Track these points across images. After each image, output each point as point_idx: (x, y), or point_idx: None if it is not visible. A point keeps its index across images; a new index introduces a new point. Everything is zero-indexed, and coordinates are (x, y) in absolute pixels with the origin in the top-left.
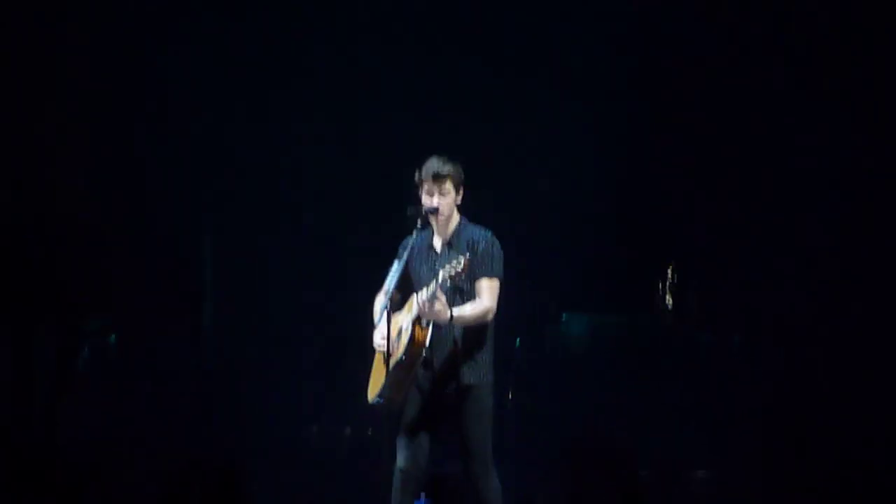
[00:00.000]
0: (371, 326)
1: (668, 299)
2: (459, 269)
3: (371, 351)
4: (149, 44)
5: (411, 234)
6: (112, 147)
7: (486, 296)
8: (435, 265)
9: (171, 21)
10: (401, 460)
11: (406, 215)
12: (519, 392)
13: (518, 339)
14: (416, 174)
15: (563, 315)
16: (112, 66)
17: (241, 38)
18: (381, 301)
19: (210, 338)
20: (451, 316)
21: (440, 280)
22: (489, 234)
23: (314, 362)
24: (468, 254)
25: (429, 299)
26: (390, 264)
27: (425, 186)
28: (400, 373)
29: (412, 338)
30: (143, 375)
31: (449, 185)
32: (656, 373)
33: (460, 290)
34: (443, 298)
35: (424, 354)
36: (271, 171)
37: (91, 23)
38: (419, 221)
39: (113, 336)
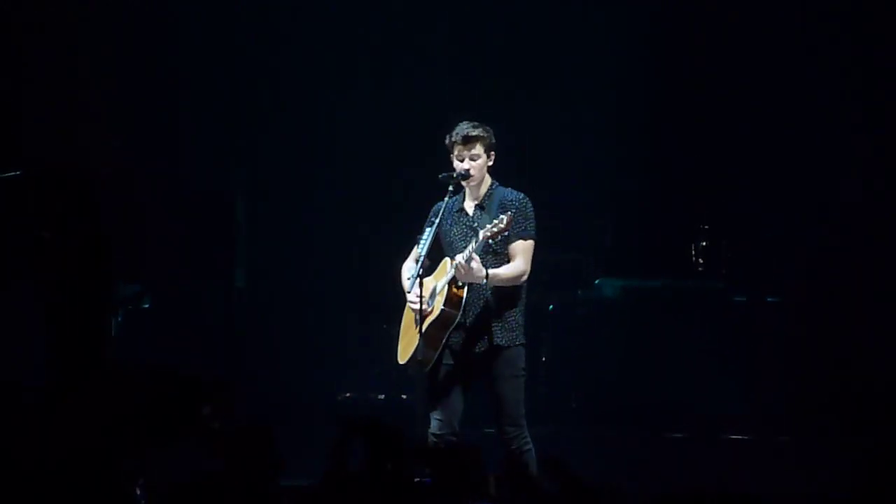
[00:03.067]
0: (400, 292)
1: (701, 262)
2: (502, 226)
3: (401, 315)
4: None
5: (442, 199)
6: (146, 110)
7: (521, 258)
8: (466, 226)
9: None
10: (434, 424)
11: (438, 181)
12: (552, 355)
13: (551, 305)
14: (447, 139)
15: (597, 280)
16: (147, 26)
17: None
18: (410, 267)
19: (243, 302)
20: (487, 275)
21: (480, 239)
22: (522, 195)
23: (345, 327)
24: (509, 212)
25: (466, 259)
26: (421, 230)
27: (456, 150)
28: (434, 333)
29: (448, 298)
30: (177, 339)
31: (479, 149)
32: (690, 335)
33: (494, 252)
34: (478, 260)
35: (459, 316)
36: (305, 136)
37: None
38: (451, 186)
39: (147, 301)
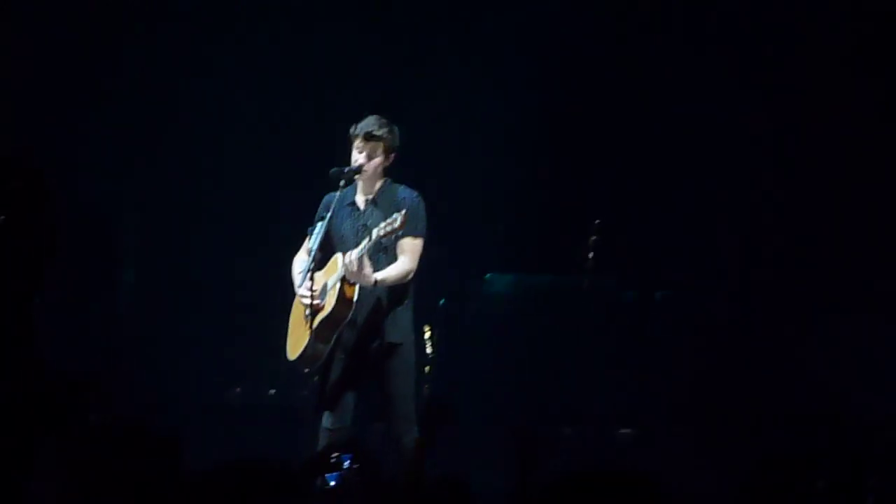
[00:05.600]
0: (290, 286)
1: (591, 257)
2: (396, 226)
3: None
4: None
5: (334, 192)
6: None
7: (409, 256)
8: (358, 222)
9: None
10: (326, 420)
11: (329, 175)
12: (441, 351)
13: (442, 300)
14: (351, 128)
15: (487, 275)
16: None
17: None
18: (301, 260)
19: (132, 300)
20: (376, 281)
21: (373, 238)
22: (416, 194)
23: (235, 323)
24: (404, 210)
25: (357, 259)
26: (312, 223)
27: (356, 143)
28: (325, 330)
29: (340, 295)
30: (64, 340)
31: (379, 148)
32: (580, 331)
33: (384, 249)
34: (367, 262)
35: (351, 313)
36: (193, 128)
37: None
38: (342, 182)
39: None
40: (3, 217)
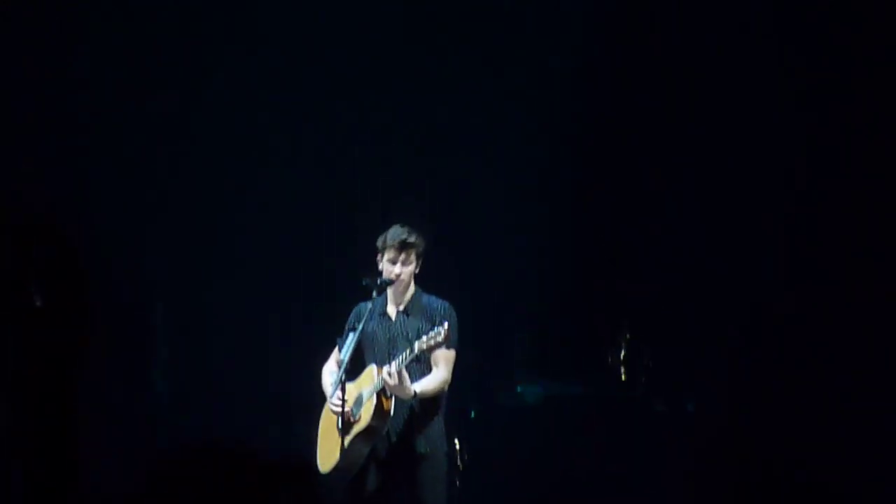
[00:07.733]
0: (319, 395)
1: (622, 369)
2: (440, 340)
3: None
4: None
5: (365, 301)
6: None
7: (443, 367)
8: (390, 333)
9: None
10: None
11: (361, 286)
12: (472, 462)
13: (472, 412)
14: (380, 241)
15: (518, 387)
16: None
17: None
18: (332, 370)
19: (163, 405)
20: (415, 393)
21: (415, 351)
22: (447, 304)
23: (264, 430)
24: (446, 323)
25: (398, 372)
26: (341, 332)
27: (388, 254)
28: (360, 442)
29: (377, 408)
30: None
31: (413, 255)
32: (611, 443)
33: (417, 359)
34: (406, 374)
35: (387, 424)
36: (224, 232)
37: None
38: (374, 291)
39: None
40: (39, 300)
